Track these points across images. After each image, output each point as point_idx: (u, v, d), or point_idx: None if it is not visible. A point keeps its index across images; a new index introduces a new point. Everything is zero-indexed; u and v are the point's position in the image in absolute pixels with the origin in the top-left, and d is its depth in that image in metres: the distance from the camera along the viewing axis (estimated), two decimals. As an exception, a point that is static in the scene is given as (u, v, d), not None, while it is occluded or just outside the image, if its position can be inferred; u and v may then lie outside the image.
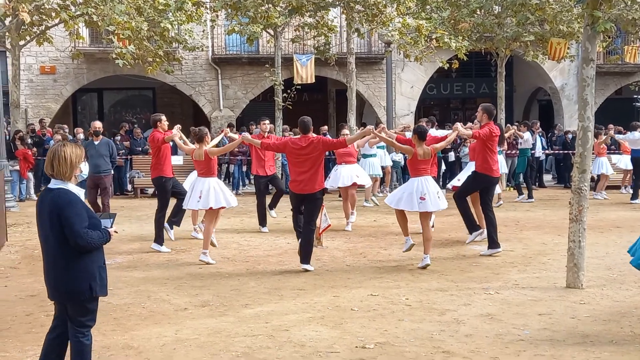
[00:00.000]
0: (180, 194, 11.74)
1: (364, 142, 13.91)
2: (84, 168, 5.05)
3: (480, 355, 6.11)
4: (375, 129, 10.99)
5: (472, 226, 11.11)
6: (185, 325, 7.11)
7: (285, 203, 17.32)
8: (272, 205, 14.03)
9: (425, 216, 9.93)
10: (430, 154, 9.90)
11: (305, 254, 9.70)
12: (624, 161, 19.74)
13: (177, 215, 12.09)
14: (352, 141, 10.88)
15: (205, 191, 10.41)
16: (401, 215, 10.12)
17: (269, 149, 11.18)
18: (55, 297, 5.17)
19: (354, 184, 13.87)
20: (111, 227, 5.22)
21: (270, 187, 14.65)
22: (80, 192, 5.13)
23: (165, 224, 11.67)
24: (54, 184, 5.07)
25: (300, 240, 9.98)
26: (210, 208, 10.40)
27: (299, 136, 10.05)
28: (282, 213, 15.59)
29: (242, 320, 7.26)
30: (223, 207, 10.56)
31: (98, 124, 13.48)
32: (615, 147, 21.40)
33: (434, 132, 14.00)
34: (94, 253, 5.08)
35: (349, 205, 13.68)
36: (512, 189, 19.58)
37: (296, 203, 10.02)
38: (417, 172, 9.93)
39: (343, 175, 13.77)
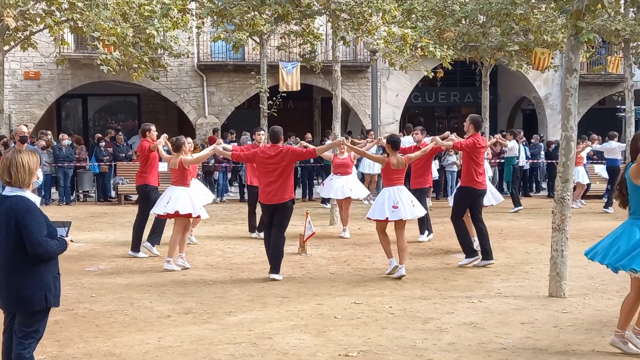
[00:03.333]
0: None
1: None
2: (40, 174, 5.02)
3: (463, 363, 6.12)
4: (366, 138, 11.00)
5: (468, 250, 10.65)
6: (168, 333, 7.08)
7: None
8: (260, 229, 13.23)
9: (399, 225, 9.83)
10: (404, 164, 9.89)
11: (274, 264, 9.64)
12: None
13: (157, 231, 11.72)
14: (322, 151, 10.90)
15: (175, 197, 10.37)
16: (383, 235, 9.92)
17: (240, 160, 11.10)
18: (5, 306, 5.02)
19: (348, 199, 13.75)
20: (67, 235, 5.09)
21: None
22: (37, 200, 5.02)
23: (147, 243, 11.51)
24: (9, 191, 4.94)
25: (269, 250, 9.75)
26: (177, 213, 10.30)
27: (268, 145, 10.00)
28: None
29: (225, 328, 7.24)
30: (190, 215, 10.44)
31: (24, 129, 12.13)
32: (597, 157, 21.53)
33: (407, 139, 14.01)
34: (50, 262, 4.95)
35: (341, 213, 13.62)
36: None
37: (267, 214, 9.83)
38: (390, 181, 9.90)
39: (336, 186, 13.61)
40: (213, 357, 6.29)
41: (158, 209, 10.60)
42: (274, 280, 9.53)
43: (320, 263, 10.84)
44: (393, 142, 9.98)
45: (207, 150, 11.21)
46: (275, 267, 9.64)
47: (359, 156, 14.56)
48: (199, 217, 10.79)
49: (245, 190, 16.57)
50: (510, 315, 7.72)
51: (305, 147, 12.60)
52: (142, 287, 9.21)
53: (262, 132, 13.47)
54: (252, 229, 13.37)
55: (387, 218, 9.73)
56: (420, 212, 10.15)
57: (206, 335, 6.97)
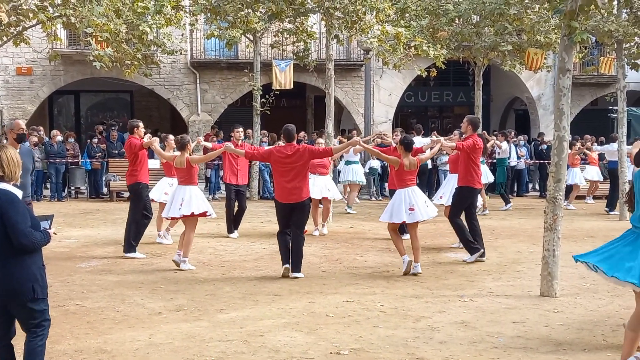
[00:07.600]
0: (147, 211, 11.23)
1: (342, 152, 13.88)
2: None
3: (454, 362, 6.12)
4: (348, 139, 10.91)
5: (470, 248, 10.76)
6: (160, 330, 7.06)
7: (260, 208, 17.35)
8: (235, 227, 13.28)
9: (413, 226, 9.89)
10: (416, 165, 9.88)
11: (296, 263, 9.59)
12: (591, 172, 20.00)
13: (138, 238, 11.20)
14: (338, 151, 10.87)
15: (188, 198, 10.23)
16: (396, 234, 9.96)
17: (254, 159, 11.05)
18: None
19: (325, 198, 13.79)
20: (50, 228, 5.15)
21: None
22: (19, 193, 5.04)
23: (131, 253, 11.02)
24: None
25: (291, 250, 9.64)
26: (192, 214, 10.20)
27: (283, 144, 9.95)
28: (259, 218, 15.61)
29: (216, 325, 7.23)
30: (205, 214, 10.33)
31: (22, 125, 9.07)
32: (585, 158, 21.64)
33: (418, 140, 13.93)
34: (34, 254, 5.01)
35: (317, 213, 13.62)
36: (488, 197, 19.71)
37: (283, 214, 9.71)
38: (404, 183, 9.88)
39: (315, 185, 13.36)
40: (204, 354, 6.28)
41: (173, 212, 10.38)
42: (296, 278, 9.47)
43: (312, 261, 10.82)
44: (406, 144, 9.89)
45: (216, 150, 11.13)
46: (297, 266, 9.58)
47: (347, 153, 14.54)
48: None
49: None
50: (502, 315, 7.72)
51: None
52: (133, 284, 9.18)
53: (240, 129, 13.04)
54: (230, 228, 13.24)
55: (404, 221, 9.78)
56: (434, 212, 10.13)
57: (197, 333, 6.95)
